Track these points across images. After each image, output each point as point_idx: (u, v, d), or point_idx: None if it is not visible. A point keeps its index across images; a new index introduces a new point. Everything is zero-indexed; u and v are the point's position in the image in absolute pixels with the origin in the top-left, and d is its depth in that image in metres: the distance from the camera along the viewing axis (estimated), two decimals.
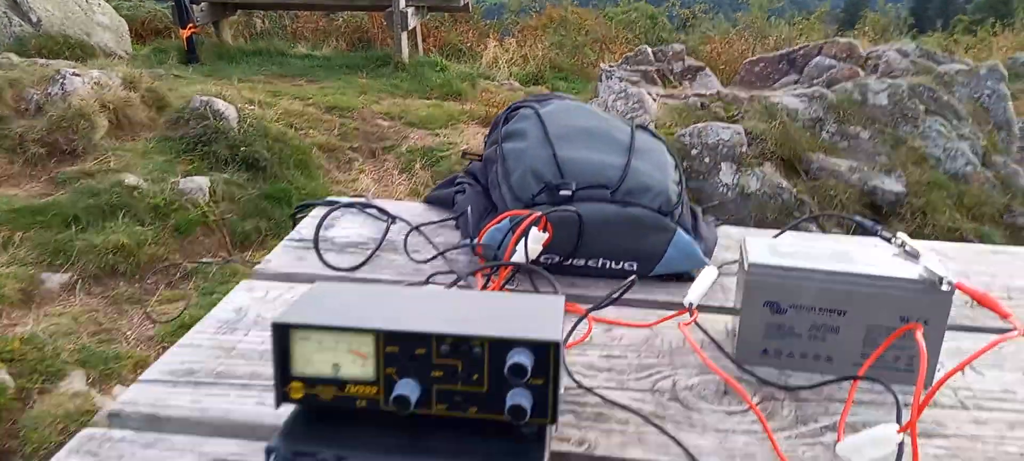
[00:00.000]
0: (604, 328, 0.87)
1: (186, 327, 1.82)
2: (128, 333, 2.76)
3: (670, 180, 0.96)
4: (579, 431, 0.70)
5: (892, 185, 3.51)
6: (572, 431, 0.70)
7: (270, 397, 0.74)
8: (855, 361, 0.77)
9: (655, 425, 0.70)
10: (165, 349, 2.56)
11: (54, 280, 2.88)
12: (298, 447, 0.53)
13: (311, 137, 4.38)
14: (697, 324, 0.82)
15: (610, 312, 0.90)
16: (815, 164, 3.63)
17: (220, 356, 0.81)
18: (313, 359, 0.55)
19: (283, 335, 0.55)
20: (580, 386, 0.76)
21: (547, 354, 0.53)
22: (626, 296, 0.90)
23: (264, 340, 0.85)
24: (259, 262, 1.06)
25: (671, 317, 0.84)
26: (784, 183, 3.53)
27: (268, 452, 0.53)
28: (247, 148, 3.73)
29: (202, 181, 3.45)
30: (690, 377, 0.78)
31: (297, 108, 4.79)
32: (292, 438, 0.54)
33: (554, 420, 0.54)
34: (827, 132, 3.82)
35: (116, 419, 0.72)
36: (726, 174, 3.60)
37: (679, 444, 0.68)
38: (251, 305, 0.93)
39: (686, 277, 0.98)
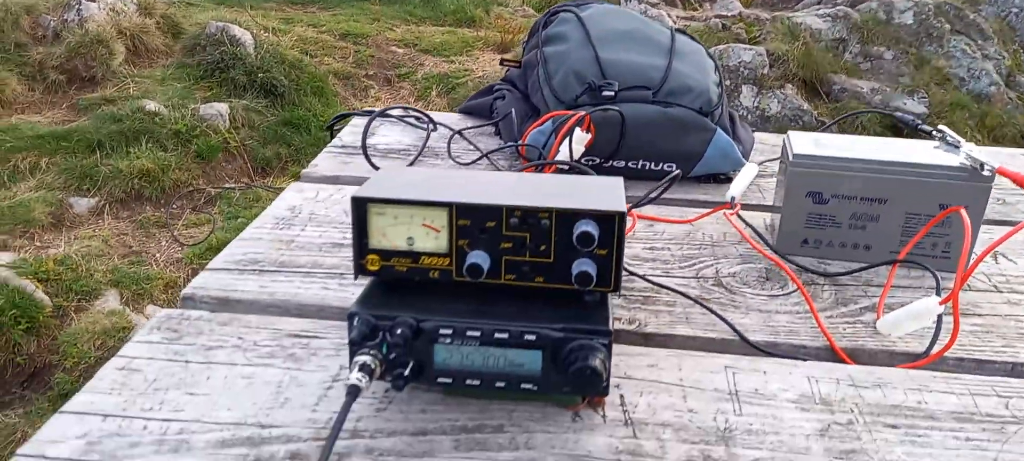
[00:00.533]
0: (646, 224, 0.90)
1: (215, 250, 1.87)
2: (157, 256, 2.82)
3: (710, 81, 0.97)
4: (629, 311, 0.74)
5: (914, 106, 3.48)
6: (622, 312, 0.74)
7: (334, 283, 0.78)
8: (893, 249, 0.80)
9: (701, 304, 0.74)
10: (195, 272, 2.62)
11: (82, 204, 2.94)
12: (377, 312, 0.56)
13: (326, 64, 4.36)
14: (739, 216, 0.84)
15: (651, 209, 0.93)
16: (837, 86, 3.60)
17: (281, 248, 0.85)
18: (388, 232, 0.59)
19: (361, 209, 0.58)
20: (629, 272, 0.79)
21: (612, 225, 0.56)
22: (665, 195, 0.93)
23: (321, 234, 0.88)
24: (283, 188, 1.09)
25: (713, 211, 0.86)
26: (805, 106, 3.50)
27: (350, 317, 0.56)
28: (265, 74, 3.73)
29: (222, 107, 3.46)
30: (732, 266, 0.81)
31: (311, 35, 4.75)
32: (371, 305, 0.58)
33: (617, 288, 0.58)
34: (850, 53, 3.77)
35: (189, 301, 0.76)
36: (747, 97, 3.58)
37: (725, 321, 0.71)
38: (303, 204, 0.96)
39: (724, 178, 1.00)
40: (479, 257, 0.57)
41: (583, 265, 0.56)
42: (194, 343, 0.68)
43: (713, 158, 0.96)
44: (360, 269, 0.60)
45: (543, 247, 0.57)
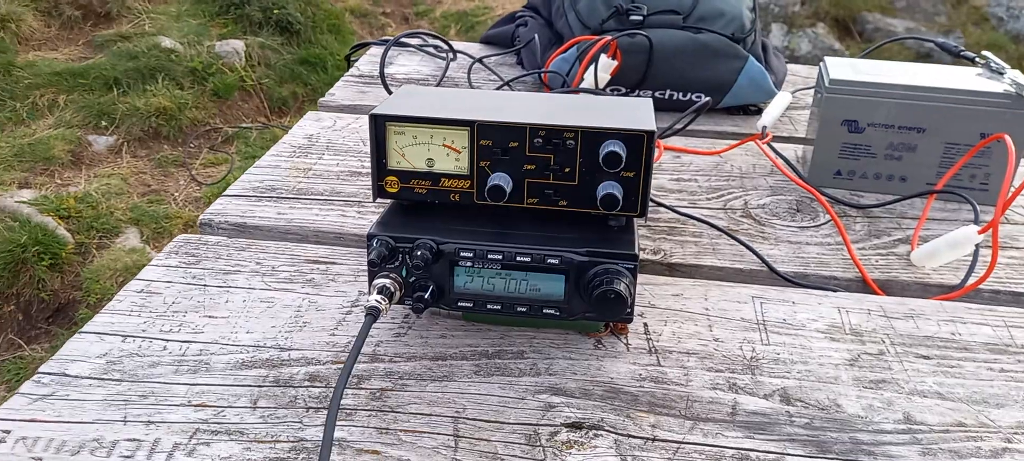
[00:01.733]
0: (673, 156, 0.88)
1: None
2: (176, 194, 2.83)
3: (744, 6, 0.93)
4: (653, 242, 0.72)
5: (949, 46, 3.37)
6: (647, 243, 0.72)
7: (352, 211, 0.77)
8: (929, 180, 0.77)
9: (729, 234, 0.72)
10: None
11: (101, 142, 2.94)
12: (397, 234, 0.55)
13: (342, 1, 4.29)
14: (770, 146, 0.82)
15: (678, 141, 0.90)
16: (870, 24, 3.48)
17: (298, 176, 0.83)
18: (408, 153, 0.57)
19: (380, 128, 0.56)
20: (655, 203, 0.77)
21: (640, 145, 0.54)
22: (693, 127, 0.90)
23: (339, 162, 0.87)
24: None
25: (743, 141, 0.84)
26: (836, 45, 3.40)
27: (369, 238, 0.55)
28: (280, 11, 3.67)
29: (237, 44, 3.43)
30: (761, 197, 0.79)
31: None
32: (390, 227, 0.56)
33: (644, 213, 0.56)
34: None
35: (207, 227, 0.75)
36: (776, 36, 3.48)
37: (753, 251, 0.69)
38: (321, 133, 0.94)
39: (754, 110, 0.97)
40: (501, 179, 0.55)
41: (609, 187, 0.54)
42: (212, 267, 0.67)
43: (744, 88, 0.93)
44: (379, 191, 0.58)
45: (567, 169, 0.55)
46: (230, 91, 3.27)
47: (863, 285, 0.67)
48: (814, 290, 0.65)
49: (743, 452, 0.48)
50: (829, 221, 0.74)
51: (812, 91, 0.87)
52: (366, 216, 0.76)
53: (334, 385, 0.50)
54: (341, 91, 1.08)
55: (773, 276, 0.67)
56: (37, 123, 2.96)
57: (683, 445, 0.49)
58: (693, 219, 0.74)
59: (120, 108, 3.03)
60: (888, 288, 0.67)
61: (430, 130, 0.56)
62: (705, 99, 0.78)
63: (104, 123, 3.00)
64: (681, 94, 0.94)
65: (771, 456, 0.48)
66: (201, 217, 0.76)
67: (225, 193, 0.80)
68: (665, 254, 0.70)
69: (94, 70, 3.16)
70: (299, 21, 3.68)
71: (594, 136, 0.54)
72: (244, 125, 3.23)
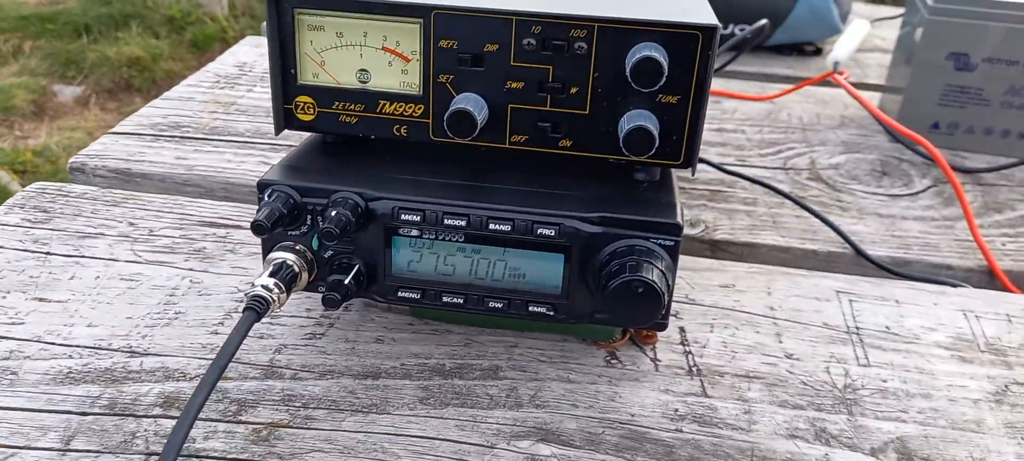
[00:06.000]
0: (712, 100, 0.67)
1: None
2: None
3: None
4: (690, 210, 0.52)
5: None
6: None
7: (277, 156, 0.57)
8: None
9: (796, 201, 0.52)
10: None
11: (67, 93, 2.72)
12: (304, 183, 0.35)
13: None
14: (846, 89, 0.61)
15: (717, 83, 0.70)
16: None
17: (216, 111, 0.63)
18: (330, 60, 0.37)
19: (284, 19, 0.36)
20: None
21: (693, 51, 0.34)
22: (735, 67, 0.70)
23: None
24: None
25: (804, 84, 0.63)
26: None
27: (260, 189, 0.35)
28: None
29: None
30: (833, 155, 0.59)
31: None
32: (297, 173, 0.36)
33: (690, 163, 0.36)
34: None
35: (79, 174, 0.55)
36: None
37: (832, 226, 0.49)
38: (258, 61, 0.74)
39: (811, 49, 0.77)
40: (470, 103, 0.35)
41: (639, 119, 0.34)
42: (66, 228, 0.47)
43: (802, 19, 0.72)
44: (286, 118, 0.38)
45: (575, 89, 0.35)
46: (210, 42, 3.04)
47: (990, 278, 0.47)
48: (924, 283, 0.45)
49: None
50: (928, 188, 0.54)
51: (897, 23, 0.66)
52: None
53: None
54: None
55: (862, 262, 0.48)
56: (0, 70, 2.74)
57: None
58: (746, 179, 0.54)
59: (89, 56, 2.81)
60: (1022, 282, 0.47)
61: (364, 23, 0.36)
62: (762, 22, 0.57)
63: (71, 72, 2.78)
64: (724, 26, 0.73)
65: None
66: (72, 160, 0.56)
67: (113, 129, 0.60)
68: (707, 227, 0.50)
69: (63, 15, 2.94)
70: None
71: (618, 34, 0.34)
72: None
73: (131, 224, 0.48)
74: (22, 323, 0.40)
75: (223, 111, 0.63)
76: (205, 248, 0.46)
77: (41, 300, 0.41)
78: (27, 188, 0.52)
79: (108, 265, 0.44)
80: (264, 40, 0.78)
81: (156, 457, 0.32)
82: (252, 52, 0.76)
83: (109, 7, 2.97)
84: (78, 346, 0.38)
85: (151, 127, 0.60)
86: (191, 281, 0.43)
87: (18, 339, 0.38)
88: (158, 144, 0.58)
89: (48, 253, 0.45)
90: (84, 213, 0.49)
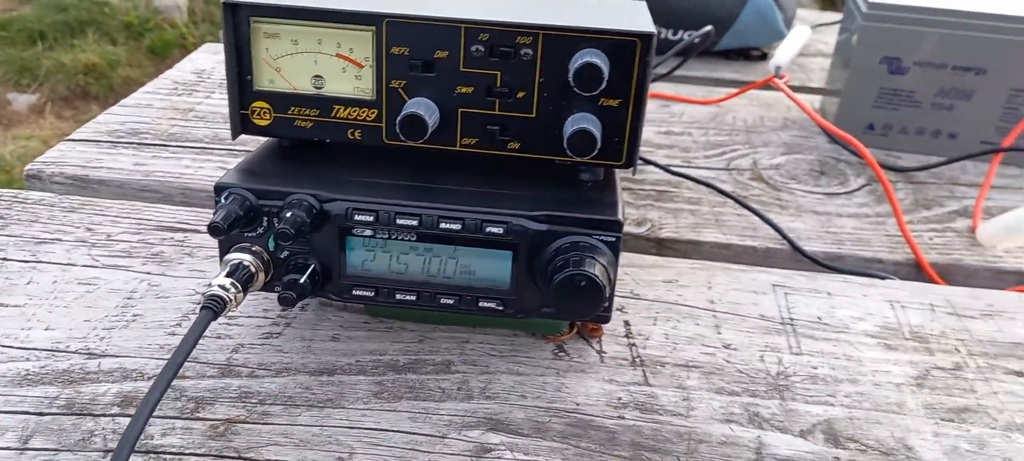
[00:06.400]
0: (660, 104, 0.70)
1: None
2: None
3: None
4: (637, 209, 0.54)
5: None
6: (627, 210, 0.54)
7: (234, 161, 0.58)
8: (985, 137, 0.60)
9: (737, 201, 0.54)
10: None
11: (21, 101, 2.67)
12: (261, 186, 0.36)
13: None
14: (785, 93, 0.64)
15: (664, 87, 0.72)
16: None
17: (174, 118, 0.64)
18: (285, 67, 0.38)
19: (240, 26, 0.37)
20: (640, 159, 0.59)
21: (631, 57, 0.36)
22: (682, 72, 0.72)
23: None
24: None
25: (747, 88, 0.66)
26: None
27: (217, 190, 0.36)
28: None
29: None
30: (774, 156, 0.62)
31: None
32: (253, 176, 0.37)
33: (632, 163, 0.38)
34: None
35: (35, 181, 0.56)
36: None
37: (770, 223, 0.52)
38: (216, 68, 0.74)
39: (756, 54, 0.80)
40: (422, 107, 0.37)
41: (582, 122, 0.36)
42: (22, 234, 0.48)
43: (748, 25, 0.75)
44: (242, 124, 0.39)
45: (522, 93, 0.37)
46: (169, 49, 3.00)
47: (918, 271, 0.50)
48: (855, 277, 0.48)
49: None
50: (862, 186, 0.57)
51: (835, 29, 0.70)
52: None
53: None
54: None
55: (798, 257, 0.50)
56: None
57: None
58: (690, 180, 0.56)
59: (45, 64, 2.76)
60: (949, 275, 0.50)
61: (318, 31, 0.37)
62: (707, 28, 0.60)
63: (26, 80, 2.72)
64: (671, 32, 0.76)
65: None
66: (28, 167, 0.56)
67: (70, 136, 0.60)
68: (652, 225, 0.52)
69: (17, 22, 2.87)
70: None
71: (563, 41, 0.36)
72: None
73: (88, 229, 0.48)
74: None
75: (181, 117, 0.64)
76: (163, 252, 0.47)
77: None
78: None
79: (65, 270, 0.45)
80: (221, 47, 0.78)
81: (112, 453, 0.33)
82: (210, 59, 0.76)
83: (65, 14, 2.91)
84: (35, 349, 0.39)
85: (109, 134, 0.61)
86: (149, 284, 0.44)
87: None
88: (116, 151, 0.58)
89: (4, 259, 0.45)
90: (41, 219, 0.49)
